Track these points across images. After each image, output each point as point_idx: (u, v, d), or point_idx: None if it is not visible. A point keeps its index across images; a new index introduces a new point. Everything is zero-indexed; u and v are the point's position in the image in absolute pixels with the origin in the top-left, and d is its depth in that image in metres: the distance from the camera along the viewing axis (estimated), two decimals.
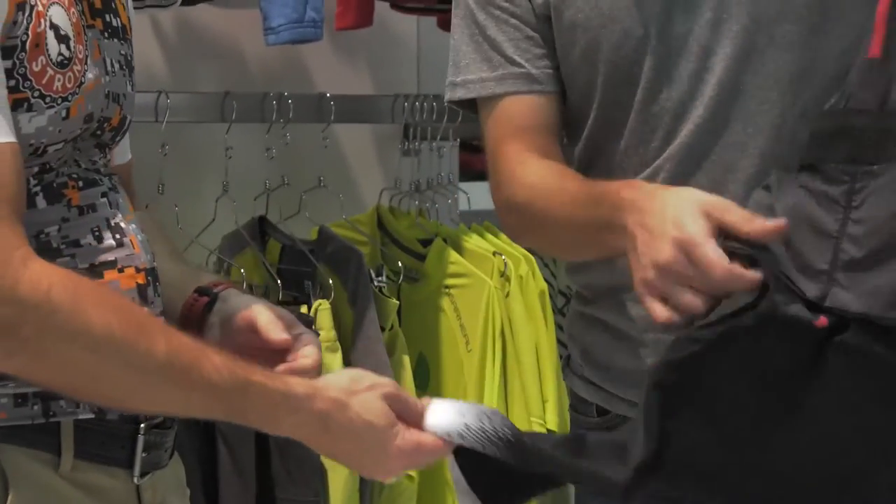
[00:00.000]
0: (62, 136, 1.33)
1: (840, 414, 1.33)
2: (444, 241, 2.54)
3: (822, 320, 1.32)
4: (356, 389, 1.38)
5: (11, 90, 1.27)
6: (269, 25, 2.43)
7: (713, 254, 1.31)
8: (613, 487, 1.36)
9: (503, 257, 2.49)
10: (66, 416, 1.35)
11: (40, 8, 1.29)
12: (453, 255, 2.50)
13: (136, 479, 1.41)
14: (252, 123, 2.44)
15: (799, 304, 1.33)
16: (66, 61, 1.32)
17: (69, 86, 1.32)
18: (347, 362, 2.28)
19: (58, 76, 1.31)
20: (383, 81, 2.97)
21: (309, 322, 2.27)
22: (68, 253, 1.35)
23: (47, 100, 1.30)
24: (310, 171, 2.52)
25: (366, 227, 2.60)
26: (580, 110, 1.65)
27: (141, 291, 1.40)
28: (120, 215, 1.41)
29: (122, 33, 1.44)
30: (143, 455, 1.41)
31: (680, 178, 1.56)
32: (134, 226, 1.42)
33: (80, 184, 1.38)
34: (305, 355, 1.46)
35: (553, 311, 2.56)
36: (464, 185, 2.84)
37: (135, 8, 1.58)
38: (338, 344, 2.29)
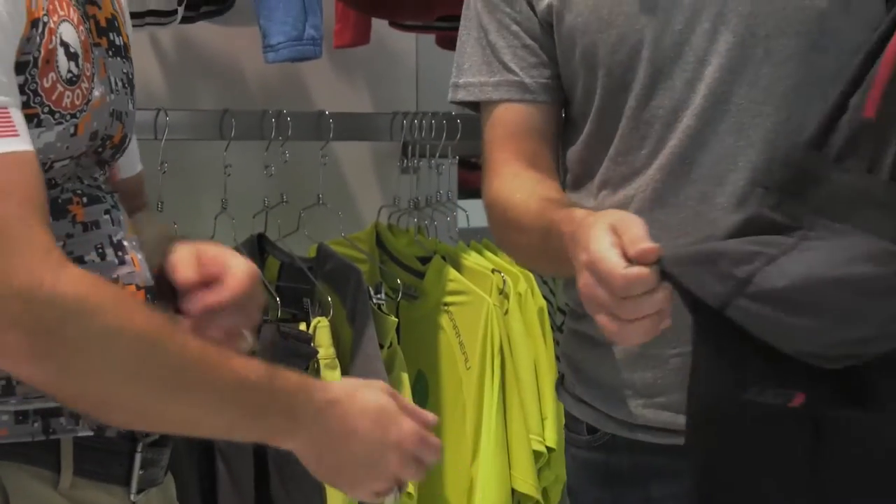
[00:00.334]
0: (69, 152, 1.34)
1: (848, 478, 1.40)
2: (443, 258, 2.54)
3: (797, 399, 1.34)
4: (357, 385, 1.42)
5: (23, 105, 1.27)
6: (269, 43, 2.44)
7: (609, 263, 1.33)
8: None
9: (502, 275, 2.49)
10: (66, 433, 1.34)
11: (52, 25, 1.30)
12: (452, 273, 2.50)
13: (132, 496, 1.40)
14: (251, 141, 2.45)
15: (773, 390, 1.35)
16: (74, 78, 1.32)
17: (77, 103, 1.33)
18: None
19: (67, 93, 1.32)
20: (382, 99, 2.97)
21: (307, 340, 2.28)
22: None
23: (56, 116, 1.31)
24: (309, 188, 2.53)
25: (364, 245, 2.60)
26: (580, 117, 1.66)
27: None
28: (122, 233, 1.41)
29: (123, 52, 1.45)
30: (140, 472, 1.40)
31: (668, 188, 1.56)
32: (134, 243, 1.43)
33: (85, 200, 1.38)
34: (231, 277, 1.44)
35: (552, 328, 2.56)
36: (463, 203, 2.85)
37: (134, 26, 1.59)
38: (336, 361, 2.29)
